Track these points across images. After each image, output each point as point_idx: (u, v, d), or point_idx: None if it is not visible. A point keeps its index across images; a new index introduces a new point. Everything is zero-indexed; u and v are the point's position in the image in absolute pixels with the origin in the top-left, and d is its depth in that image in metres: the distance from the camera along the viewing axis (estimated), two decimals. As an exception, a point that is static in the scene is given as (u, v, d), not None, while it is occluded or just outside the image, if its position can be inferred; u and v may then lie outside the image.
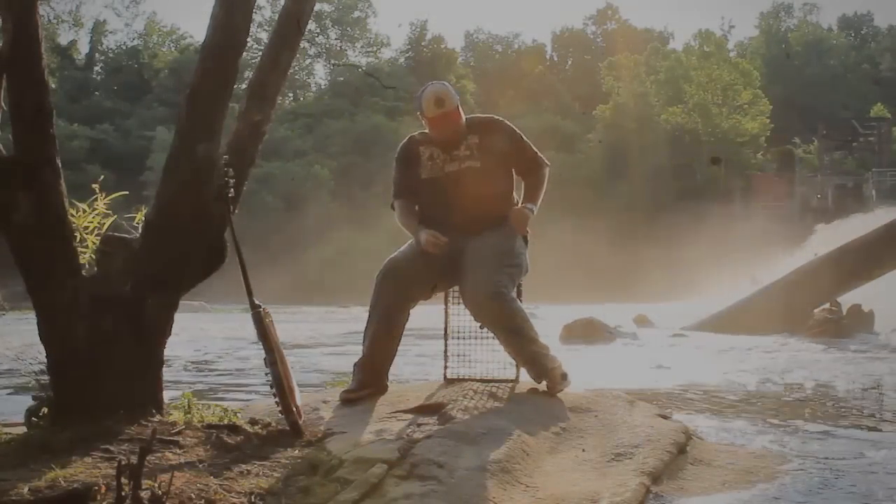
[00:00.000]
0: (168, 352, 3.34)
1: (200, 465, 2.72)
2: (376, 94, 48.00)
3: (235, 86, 3.31)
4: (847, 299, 12.47)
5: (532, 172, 3.92)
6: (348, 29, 57.83)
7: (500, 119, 3.96)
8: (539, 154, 3.94)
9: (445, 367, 3.91)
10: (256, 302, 3.25)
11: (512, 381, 3.83)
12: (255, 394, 5.97)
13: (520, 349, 3.69)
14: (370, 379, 3.73)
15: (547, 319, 11.30)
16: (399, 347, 3.85)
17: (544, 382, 3.72)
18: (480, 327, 3.77)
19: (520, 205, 3.88)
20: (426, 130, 3.86)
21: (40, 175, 3.12)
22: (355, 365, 3.80)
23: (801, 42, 58.84)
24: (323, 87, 57.23)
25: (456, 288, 3.88)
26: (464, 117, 3.82)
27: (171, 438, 2.91)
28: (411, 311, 3.81)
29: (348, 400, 3.64)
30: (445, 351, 3.90)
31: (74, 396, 3.12)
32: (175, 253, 3.23)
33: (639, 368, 8.01)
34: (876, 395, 5.58)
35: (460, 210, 3.74)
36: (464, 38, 64.50)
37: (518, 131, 3.93)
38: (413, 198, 3.91)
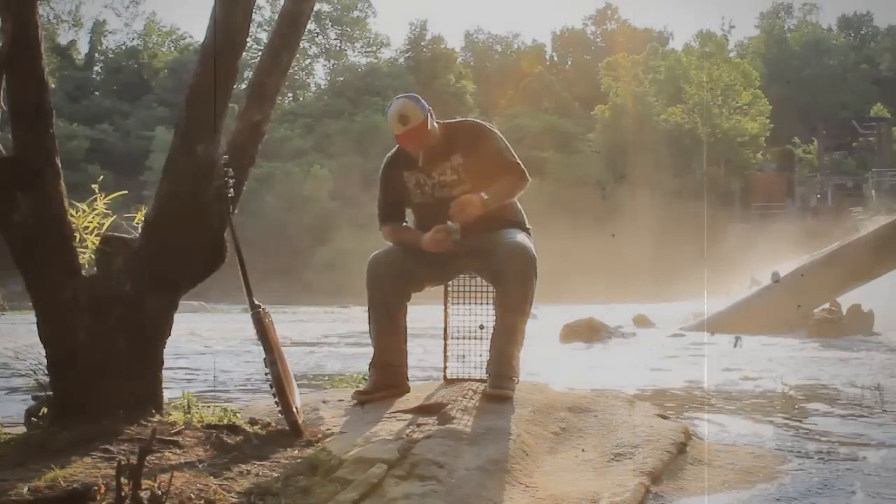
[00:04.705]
0: (167, 352, 3.34)
1: (200, 465, 2.73)
2: (376, 94, 48.00)
3: (235, 86, 3.31)
4: (847, 299, 12.49)
5: (507, 175, 3.71)
6: (347, 29, 57.83)
7: (482, 126, 3.80)
8: (521, 164, 3.74)
9: (445, 367, 3.90)
10: (256, 302, 3.25)
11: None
12: (254, 394, 5.97)
13: (510, 332, 3.55)
14: (386, 379, 3.69)
15: (547, 319, 11.31)
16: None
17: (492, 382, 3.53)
18: (480, 327, 3.76)
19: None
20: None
21: (40, 175, 3.12)
22: (370, 366, 3.78)
23: (800, 42, 58.84)
24: (323, 87, 57.25)
25: (455, 286, 3.88)
26: (435, 128, 3.67)
27: (170, 438, 2.91)
28: (410, 309, 3.79)
29: (361, 401, 3.63)
30: (445, 351, 3.90)
31: (74, 396, 3.12)
32: (175, 253, 3.23)
33: (638, 368, 8.02)
34: (875, 395, 5.58)
35: (460, 227, 3.63)
36: (464, 38, 64.61)
37: (501, 140, 3.75)
38: (402, 220, 3.83)
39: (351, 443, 2.96)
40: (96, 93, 54.77)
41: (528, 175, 3.77)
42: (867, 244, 13.11)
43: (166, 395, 3.37)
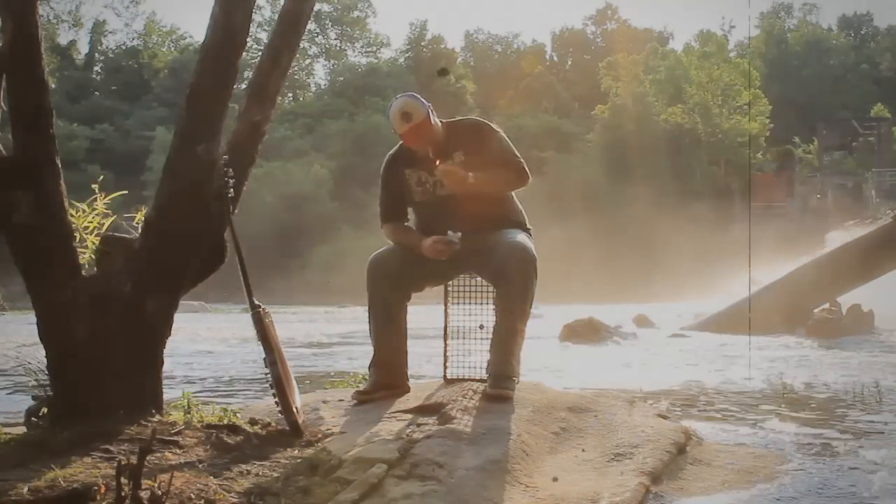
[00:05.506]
0: (168, 352, 3.34)
1: (200, 465, 2.72)
2: (376, 94, 48.02)
3: (235, 86, 3.31)
4: (847, 299, 12.48)
5: (507, 170, 3.72)
6: (348, 29, 57.87)
7: (484, 124, 3.82)
8: (523, 163, 3.74)
9: (445, 367, 3.90)
10: (256, 302, 3.25)
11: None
12: (254, 394, 5.97)
13: (510, 332, 3.56)
14: (386, 379, 3.70)
15: (547, 319, 11.31)
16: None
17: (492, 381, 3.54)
18: (480, 327, 3.77)
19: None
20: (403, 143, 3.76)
21: (40, 175, 3.12)
22: (370, 366, 3.78)
23: (800, 42, 58.85)
24: (323, 87, 57.28)
25: (455, 286, 3.88)
26: (438, 124, 3.70)
27: (170, 438, 2.91)
28: (410, 309, 3.79)
29: (361, 401, 3.63)
30: (445, 351, 3.90)
31: (74, 396, 3.12)
32: (175, 253, 3.23)
33: (639, 368, 8.01)
34: (875, 394, 5.58)
35: (461, 225, 3.63)
36: (464, 38, 64.64)
37: (503, 138, 3.76)
38: (404, 219, 3.84)
39: (351, 443, 2.96)
40: (96, 93, 54.82)
41: (528, 173, 3.76)
42: (866, 244, 13.10)
43: (166, 395, 3.37)
